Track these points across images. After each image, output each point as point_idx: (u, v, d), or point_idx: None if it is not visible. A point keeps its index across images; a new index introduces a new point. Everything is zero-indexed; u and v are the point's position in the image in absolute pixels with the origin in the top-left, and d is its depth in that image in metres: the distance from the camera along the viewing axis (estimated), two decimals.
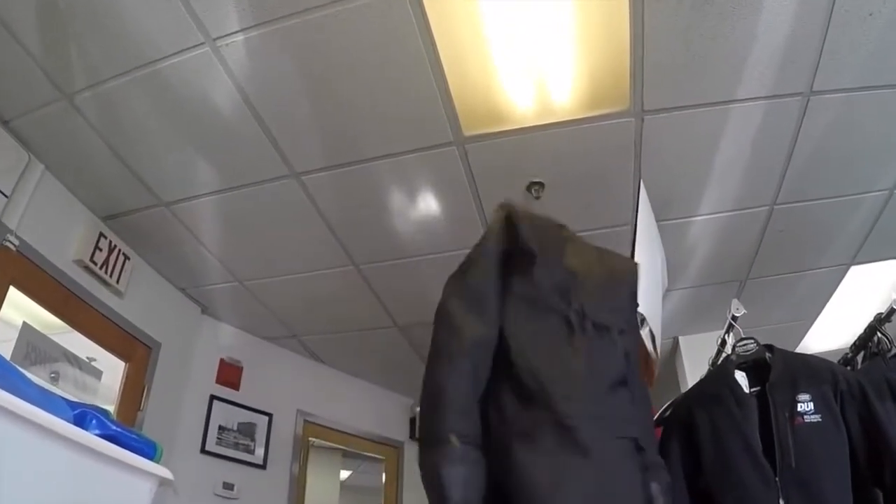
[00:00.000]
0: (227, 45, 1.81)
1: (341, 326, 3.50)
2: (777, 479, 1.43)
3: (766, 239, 2.72)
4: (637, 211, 2.09)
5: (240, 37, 1.78)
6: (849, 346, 1.83)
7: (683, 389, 2.60)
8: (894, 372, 1.54)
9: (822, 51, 1.84)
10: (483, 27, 1.78)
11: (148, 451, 1.23)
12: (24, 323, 2.10)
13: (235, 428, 3.27)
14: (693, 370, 3.21)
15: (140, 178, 2.35)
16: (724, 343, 1.95)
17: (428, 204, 2.49)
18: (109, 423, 1.17)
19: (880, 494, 1.44)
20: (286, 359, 3.76)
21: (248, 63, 1.87)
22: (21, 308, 2.16)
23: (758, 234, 2.70)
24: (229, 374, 3.36)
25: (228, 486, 3.08)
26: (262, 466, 3.32)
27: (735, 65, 1.88)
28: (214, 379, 3.27)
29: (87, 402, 1.30)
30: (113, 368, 2.62)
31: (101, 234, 2.55)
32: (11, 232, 2.09)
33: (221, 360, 3.34)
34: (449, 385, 0.98)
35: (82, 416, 1.14)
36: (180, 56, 1.83)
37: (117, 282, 2.62)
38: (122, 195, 2.45)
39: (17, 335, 2.04)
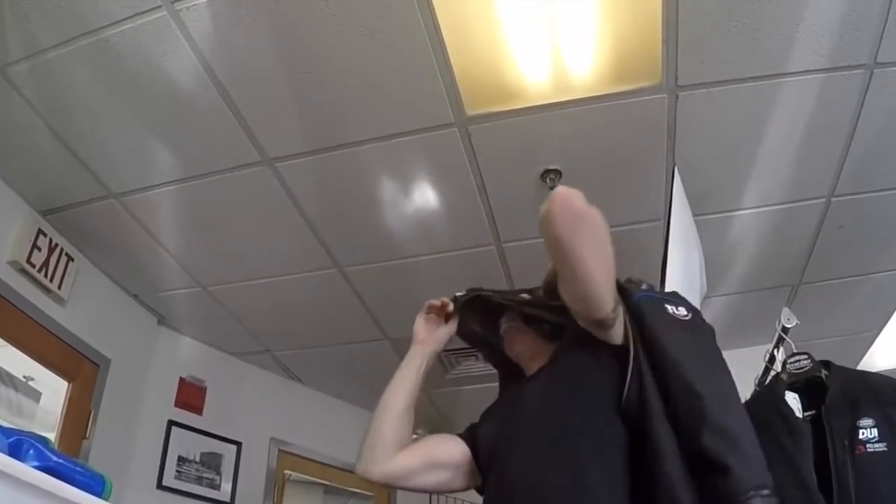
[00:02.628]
0: (187, 8, 1.81)
1: (322, 340, 3.50)
2: None
3: (822, 237, 2.72)
4: (670, 204, 2.10)
5: None
6: None
7: None
8: None
9: (888, 15, 1.84)
10: None
11: (95, 486, 1.23)
12: None
13: (198, 459, 3.27)
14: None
15: (86, 164, 2.35)
16: (772, 359, 1.95)
17: (424, 195, 2.49)
18: (49, 454, 1.17)
19: None
20: (257, 378, 3.76)
21: (213, 30, 1.87)
22: None
23: (812, 232, 2.70)
24: (191, 395, 3.36)
25: None
26: None
27: (786, 32, 1.88)
28: (173, 401, 3.27)
29: (24, 429, 1.30)
30: (54, 389, 2.61)
31: (40, 231, 2.55)
32: None
33: (181, 380, 3.34)
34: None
35: (17, 444, 1.14)
36: (133, 22, 1.83)
37: (59, 287, 2.61)
38: (65, 185, 2.45)
39: None
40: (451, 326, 1.45)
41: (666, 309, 1.20)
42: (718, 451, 0.99)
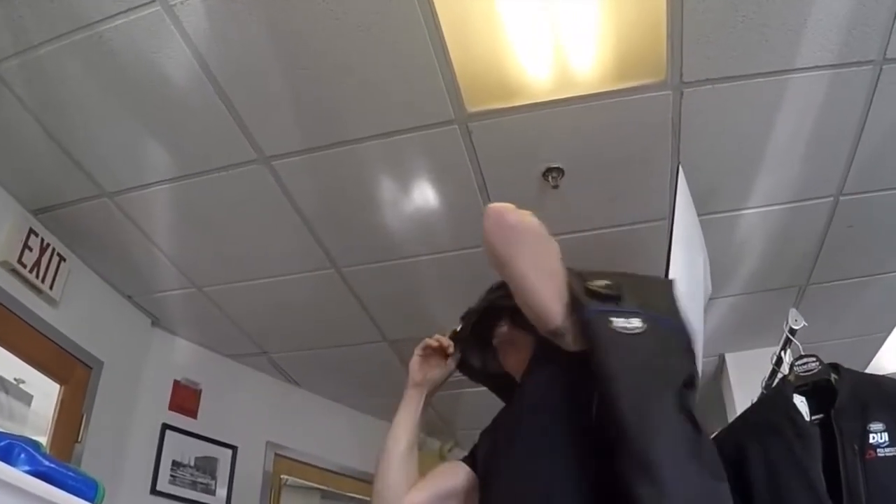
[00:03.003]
0: (182, 2, 1.80)
1: (319, 341, 3.49)
2: None
3: (830, 236, 2.72)
4: (674, 203, 2.10)
5: None
6: None
7: (731, 417, 2.60)
8: None
9: None
10: None
11: (87, 491, 1.23)
12: None
13: (192, 463, 3.27)
14: (742, 394, 3.21)
15: (78, 163, 2.35)
16: (779, 361, 1.95)
17: (424, 194, 2.49)
18: (41, 458, 1.17)
19: None
20: (253, 380, 3.76)
21: (209, 25, 1.86)
22: None
23: (820, 231, 2.70)
24: (185, 398, 3.36)
25: None
26: None
27: (793, 27, 1.88)
28: (167, 404, 3.26)
29: (15, 433, 1.30)
30: (45, 392, 2.61)
31: (32, 231, 2.55)
32: None
33: (176, 383, 3.34)
34: None
35: (8, 449, 1.14)
36: (127, 16, 1.83)
37: (51, 288, 2.61)
38: (57, 184, 2.45)
39: None
40: (450, 366, 1.44)
41: (609, 323, 1.11)
42: (629, 478, 0.94)
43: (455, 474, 1.37)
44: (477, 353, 1.47)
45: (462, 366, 1.47)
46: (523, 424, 1.20)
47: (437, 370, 1.43)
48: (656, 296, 1.26)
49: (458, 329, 1.43)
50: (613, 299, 1.16)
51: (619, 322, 1.12)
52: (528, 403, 1.22)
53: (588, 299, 1.15)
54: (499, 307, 1.39)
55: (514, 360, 1.39)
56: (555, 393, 1.16)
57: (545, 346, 1.20)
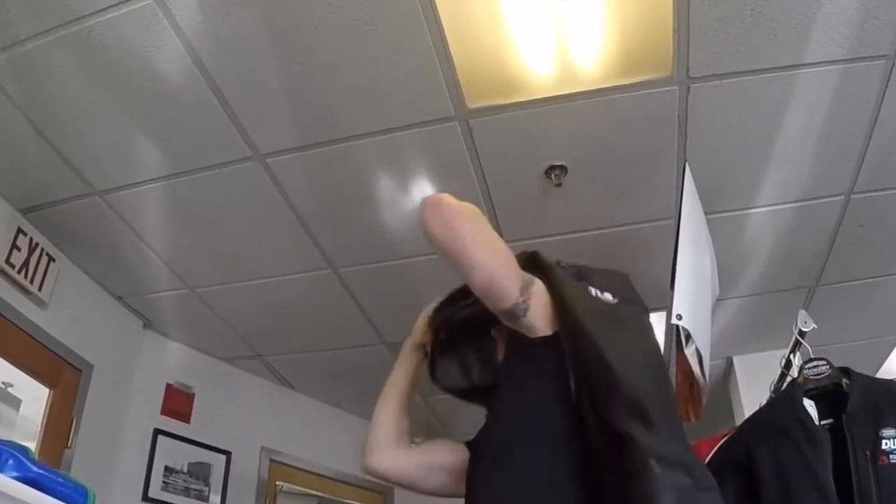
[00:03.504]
0: None
1: (316, 344, 3.49)
2: None
3: (840, 236, 2.72)
4: (681, 202, 2.10)
5: None
6: None
7: (739, 422, 2.60)
8: None
9: None
10: None
11: (77, 497, 1.23)
12: None
13: (185, 469, 3.27)
14: (751, 398, 3.21)
15: (68, 160, 2.35)
16: (789, 365, 1.95)
17: (423, 192, 2.49)
18: (30, 464, 1.17)
19: None
20: (248, 384, 3.76)
21: (202, 19, 1.86)
22: None
23: (830, 231, 2.70)
24: (178, 402, 3.36)
25: None
26: None
27: (802, 21, 1.88)
28: (159, 409, 3.27)
29: (2, 438, 1.30)
30: (34, 396, 2.61)
31: (20, 230, 2.54)
32: None
33: (168, 386, 3.34)
34: None
35: None
36: (118, 10, 1.83)
37: (39, 289, 2.61)
38: (46, 182, 2.45)
39: None
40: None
41: (588, 290, 1.21)
42: (622, 423, 0.97)
43: (451, 451, 1.38)
44: (458, 371, 1.47)
45: (450, 388, 1.48)
46: (496, 426, 1.22)
47: (430, 336, 1.47)
48: (617, 283, 1.31)
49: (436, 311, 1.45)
50: (582, 277, 1.24)
51: (594, 291, 1.21)
52: (498, 400, 1.24)
53: (560, 269, 1.22)
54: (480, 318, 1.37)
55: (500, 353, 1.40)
56: (529, 387, 1.17)
57: (513, 338, 1.23)
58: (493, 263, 1.14)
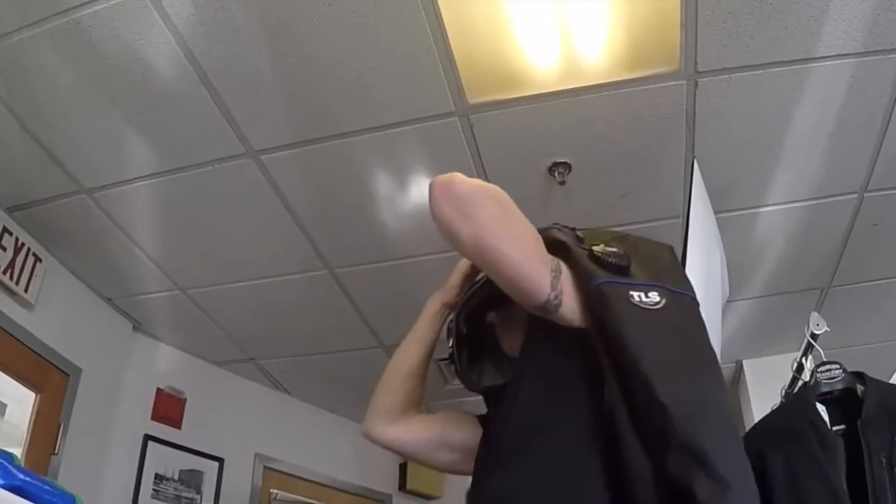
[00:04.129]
0: None
1: (312, 347, 3.49)
2: None
3: (854, 235, 2.72)
4: (689, 200, 2.09)
5: None
6: None
7: (749, 426, 2.60)
8: None
9: None
10: None
11: None
12: None
13: (176, 477, 3.26)
14: (761, 403, 3.21)
15: (55, 157, 2.35)
16: (800, 368, 1.95)
17: (422, 190, 2.49)
18: (15, 471, 1.17)
19: None
20: (241, 389, 3.76)
21: (193, 11, 1.86)
22: None
23: (844, 230, 2.70)
24: (169, 407, 3.35)
25: None
26: None
27: (815, 14, 1.88)
28: (150, 414, 3.26)
29: None
30: (20, 401, 2.61)
31: (5, 230, 2.54)
32: None
33: (159, 391, 3.34)
34: None
35: None
36: (106, 1, 1.82)
37: (25, 290, 2.61)
38: (32, 179, 2.45)
39: None
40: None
41: (630, 297, 1.04)
42: (682, 473, 0.87)
43: (465, 427, 1.31)
44: (493, 368, 1.36)
45: (481, 390, 1.37)
46: (516, 417, 1.11)
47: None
48: (663, 265, 1.19)
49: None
50: (622, 270, 1.09)
51: (636, 295, 1.04)
52: (520, 389, 1.13)
53: (594, 267, 1.07)
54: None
55: (511, 339, 1.28)
56: (556, 376, 1.08)
57: (539, 323, 1.11)
58: (520, 256, 1.01)
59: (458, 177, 1.06)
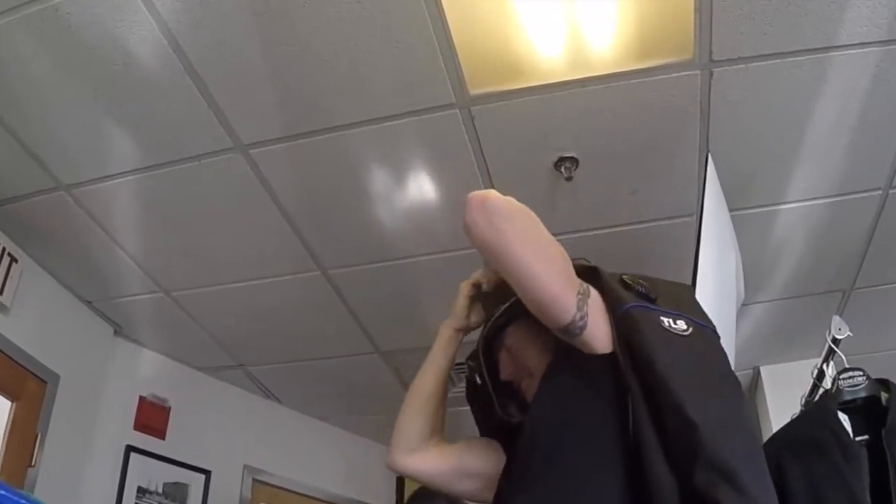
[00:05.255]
0: None
1: (303, 353, 3.49)
2: None
3: (878, 234, 2.72)
4: (703, 197, 2.09)
5: None
6: None
7: (766, 436, 2.60)
8: None
9: None
10: None
11: None
12: None
13: (160, 490, 3.26)
14: (779, 412, 3.21)
15: (31, 151, 2.35)
16: (821, 375, 1.95)
17: (421, 187, 2.49)
18: None
19: None
20: (229, 397, 3.76)
21: None
22: None
23: (867, 229, 2.70)
24: (152, 416, 3.35)
25: None
26: None
27: None
28: (132, 424, 3.26)
29: None
30: None
31: None
32: None
33: (141, 399, 3.34)
34: None
35: None
36: None
37: (0, 292, 2.61)
38: (8, 175, 2.45)
39: None
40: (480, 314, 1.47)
41: (661, 322, 1.15)
42: (710, 489, 0.94)
43: (487, 456, 1.38)
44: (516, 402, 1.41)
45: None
46: (537, 445, 1.18)
47: (476, 316, 1.46)
48: (684, 300, 1.28)
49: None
50: (650, 298, 1.19)
51: (666, 321, 1.15)
52: (541, 417, 1.20)
53: (625, 292, 1.17)
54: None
55: (523, 363, 1.34)
56: (580, 400, 1.14)
57: (562, 347, 1.19)
58: (548, 272, 1.10)
59: (493, 194, 1.16)
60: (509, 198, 1.17)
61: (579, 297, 1.10)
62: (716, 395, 1.08)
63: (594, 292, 1.16)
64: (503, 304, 1.35)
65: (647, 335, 1.11)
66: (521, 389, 1.36)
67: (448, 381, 1.46)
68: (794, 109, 2.20)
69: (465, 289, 1.47)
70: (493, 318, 1.38)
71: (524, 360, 1.34)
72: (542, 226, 1.17)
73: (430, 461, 1.39)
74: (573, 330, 1.11)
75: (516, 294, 1.19)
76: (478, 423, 1.51)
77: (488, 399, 1.40)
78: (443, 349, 1.45)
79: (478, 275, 1.46)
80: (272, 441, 3.88)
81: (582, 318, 1.10)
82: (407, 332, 3.15)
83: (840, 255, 2.85)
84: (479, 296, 1.46)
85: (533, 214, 1.17)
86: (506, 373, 1.38)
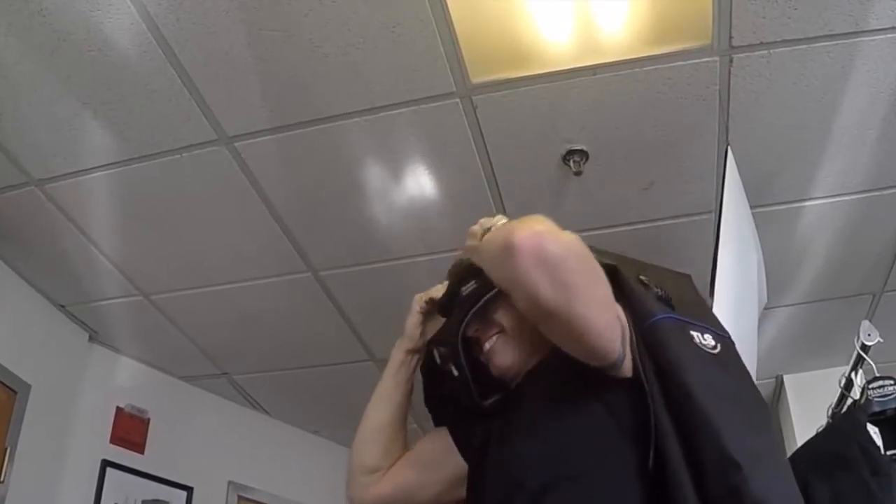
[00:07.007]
0: None
1: (292, 361, 3.50)
2: None
3: None
4: (722, 193, 2.10)
5: None
6: None
7: (791, 449, 2.60)
8: None
9: None
10: None
11: None
12: None
13: None
14: (804, 424, 3.21)
15: (0, 144, 2.35)
16: (849, 384, 1.96)
17: (419, 182, 2.50)
18: None
19: None
20: (212, 407, 3.76)
21: None
22: None
23: None
24: (130, 429, 3.36)
25: None
26: None
27: None
28: (108, 437, 3.27)
29: None
30: None
31: None
32: None
33: (119, 410, 3.35)
34: None
35: None
36: None
37: None
38: None
39: None
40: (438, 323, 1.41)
41: (692, 337, 1.10)
42: None
43: (440, 459, 1.35)
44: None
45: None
46: (530, 453, 1.13)
47: (430, 333, 1.41)
48: (692, 300, 1.25)
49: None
50: (671, 304, 1.16)
51: (697, 336, 1.11)
52: (540, 418, 1.15)
53: (650, 298, 1.14)
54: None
55: (514, 358, 1.28)
56: (590, 420, 1.10)
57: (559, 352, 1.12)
58: (604, 323, 1.03)
59: (547, 235, 1.02)
60: (562, 235, 1.04)
61: (622, 332, 1.07)
62: (756, 428, 1.06)
63: (623, 316, 1.10)
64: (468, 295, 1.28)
65: (679, 352, 1.07)
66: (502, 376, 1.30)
67: (407, 406, 1.41)
68: (820, 99, 2.21)
69: (415, 307, 1.41)
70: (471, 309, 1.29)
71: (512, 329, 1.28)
72: (592, 259, 1.06)
73: (388, 485, 1.36)
74: (616, 364, 1.07)
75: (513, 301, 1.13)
76: (433, 411, 1.44)
77: (463, 388, 1.30)
78: (393, 375, 1.40)
79: (434, 291, 1.40)
80: (259, 455, 3.89)
81: (623, 353, 1.07)
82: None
83: (870, 255, 2.85)
84: (436, 309, 1.40)
85: (583, 246, 1.05)
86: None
